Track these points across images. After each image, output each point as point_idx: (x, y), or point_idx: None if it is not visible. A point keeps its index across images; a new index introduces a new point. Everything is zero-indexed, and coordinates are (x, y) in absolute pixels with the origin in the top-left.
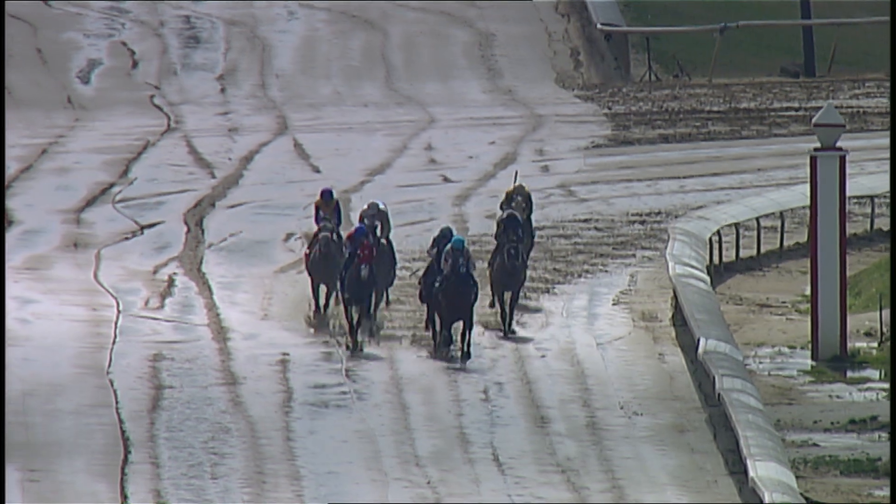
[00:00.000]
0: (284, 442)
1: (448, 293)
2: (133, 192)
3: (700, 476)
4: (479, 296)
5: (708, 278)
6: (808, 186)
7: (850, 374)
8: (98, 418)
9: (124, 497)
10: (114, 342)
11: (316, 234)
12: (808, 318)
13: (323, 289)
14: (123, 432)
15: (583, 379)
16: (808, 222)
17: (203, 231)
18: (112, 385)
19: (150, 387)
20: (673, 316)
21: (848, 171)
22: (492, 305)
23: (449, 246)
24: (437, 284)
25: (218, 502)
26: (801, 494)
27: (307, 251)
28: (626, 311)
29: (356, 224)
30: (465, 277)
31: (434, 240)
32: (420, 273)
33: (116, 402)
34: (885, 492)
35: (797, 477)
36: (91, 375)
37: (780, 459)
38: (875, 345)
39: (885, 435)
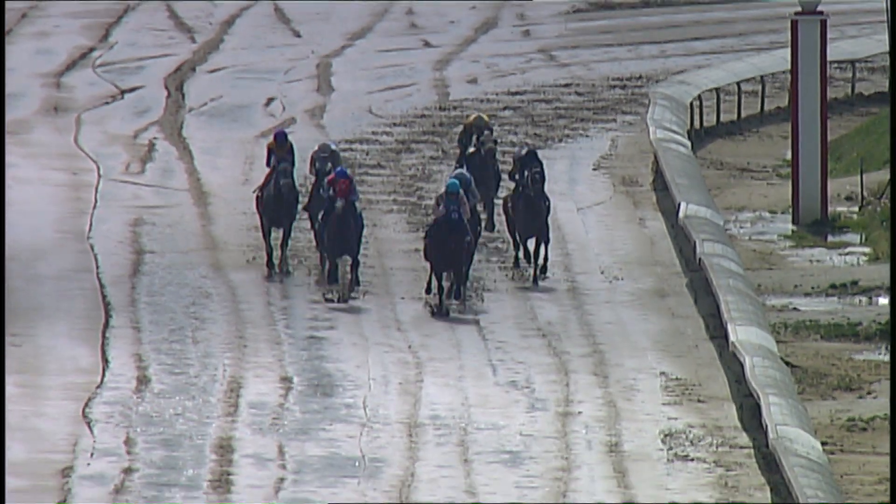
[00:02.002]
0: (265, 307)
1: (437, 240)
2: (113, 56)
3: (681, 340)
4: (474, 245)
5: (689, 143)
6: (788, 51)
7: (830, 238)
8: (79, 283)
9: (105, 361)
10: (94, 207)
11: (269, 176)
12: (789, 183)
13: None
14: (104, 297)
15: (563, 244)
16: (789, 87)
17: (184, 96)
18: (93, 250)
19: (130, 251)
20: (654, 180)
21: (829, 35)
22: (516, 265)
23: (442, 190)
24: (427, 231)
25: (199, 366)
26: (782, 358)
27: (258, 192)
28: (607, 176)
29: (308, 165)
30: (458, 223)
31: (437, 198)
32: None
33: (97, 267)
34: (865, 356)
35: (777, 341)
36: (71, 240)
37: (761, 324)
38: (855, 209)
39: (865, 299)
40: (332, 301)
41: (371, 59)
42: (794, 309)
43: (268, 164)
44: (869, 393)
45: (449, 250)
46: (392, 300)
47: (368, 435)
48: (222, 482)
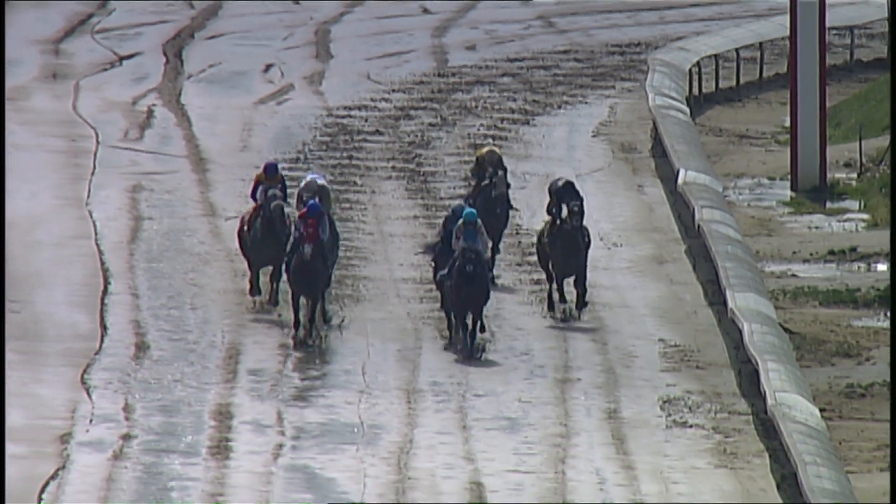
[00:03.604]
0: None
1: (458, 283)
2: (112, 22)
3: (679, 307)
4: (491, 284)
5: (688, 109)
6: (787, 17)
7: (829, 204)
8: (77, 249)
9: (104, 327)
10: (93, 173)
11: (255, 209)
12: (788, 149)
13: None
14: (103, 263)
15: None
16: (788, 53)
17: (182, 62)
18: (91, 216)
19: (129, 218)
20: (652, 147)
21: (827, 1)
22: (551, 306)
23: (459, 222)
24: (447, 272)
25: (197, 333)
26: (780, 324)
27: (243, 228)
28: (606, 143)
29: (295, 202)
30: (473, 276)
31: (445, 219)
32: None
33: (96, 234)
34: (864, 322)
35: (776, 307)
36: (70, 207)
37: (759, 290)
38: (854, 175)
39: (863, 265)
40: (297, 343)
41: (369, 25)
42: (793, 275)
43: (253, 196)
44: (867, 359)
45: (470, 292)
46: (391, 267)
47: (367, 401)
48: (221, 448)
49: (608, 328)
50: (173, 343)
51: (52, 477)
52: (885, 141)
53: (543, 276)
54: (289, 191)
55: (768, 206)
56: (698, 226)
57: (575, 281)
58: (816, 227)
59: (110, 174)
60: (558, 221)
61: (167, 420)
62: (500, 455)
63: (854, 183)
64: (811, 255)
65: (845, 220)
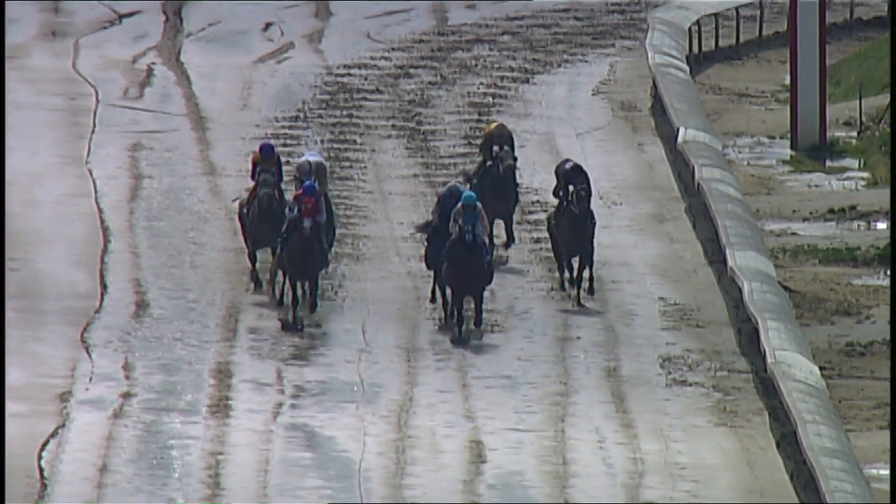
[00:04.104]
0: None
1: (455, 263)
2: None
3: (679, 265)
4: (492, 266)
5: (687, 68)
6: None
7: (829, 163)
8: (77, 208)
9: (103, 286)
10: (92, 132)
11: (253, 191)
12: (788, 108)
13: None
14: (103, 222)
15: None
16: (788, 11)
17: (182, 20)
18: (91, 175)
19: (129, 176)
20: (652, 106)
21: None
22: (561, 286)
23: (459, 205)
24: (445, 251)
25: (197, 291)
26: (780, 283)
27: (243, 209)
28: (606, 101)
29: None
30: (473, 244)
31: (439, 198)
32: (425, 235)
33: (95, 192)
34: (864, 281)
35: (776, 266)
36: (70, 165)
37: (759, 248)
38: (854, 134)
39: (863, 224)
40: (288, 327)
41: None
42: (793, 234)
43: (252, 177)
44: (867, 318)
45: (470, 275)
46: (391, 225)
47: (367, 360)
48: (221, 407)
49: (608, 286)
50: (173, 302)
51: (52, 435)
52: (884, 99)
53: (543, 233)
54: (284, 168)
55: (768, 165)
56: (698, 184)
57: (581, 266)
58: (816, 186)
59: (110, 132)
60: (565, 203)
61: (167, 379)
62: (500, 413)
63: (854, 141)
64: (811, 213)
65: (845, 179)
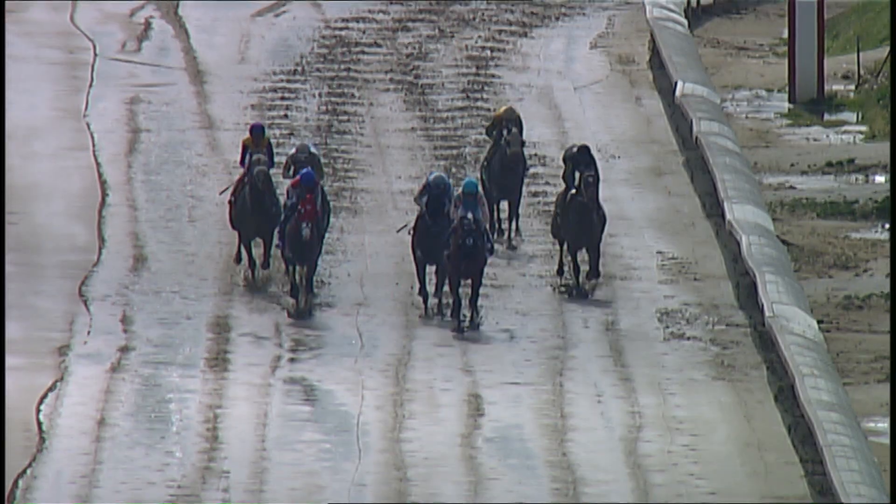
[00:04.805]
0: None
1: (456, 248)
2: None
3: (677, 219)
4: (492, 250)
5: (685, 21)
6: None
7: (826, 116)
8: (75, 161)
9: (102, 239)
10: (90, 85)
11: (242, 178)
12: (786, 61)
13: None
14: (101, 175)
15: (560, 122)
16: None
17: None
18: (89, 128)
19: (127, 130)
20: (650, 59)
21: None
22: (560, 271)
23: (458, 191)
24: (444, 238)
25: (195, 245)
26: (778, 237)
27: (231, 198)
28: (604, 55)
29: (282, 170)
30: (472, 249)
31: (423, 186)
32: (409, 226)
33: (93, 146)
34: (862, 234)
35: (774, 219)
36: (68, 118)
37: (757, 202)
38: (852, 87)
39: (861, 177)
40: (294, 316)
41: None
42: (791, 187)
43: (242, 161)
44: (865, 271)
45: (469, 258)
46: (388, 179)
47: (365, 314)
48: (219, 360)
49: (606, 240)
50: (171, 255)
51: (51, 389)
52: (882, 53)
53: (540, 186)
54: (275, 153)
55: (766, 118)
56: (696, 138)
57: (587, 256)
58: (814, 139)
59: (108, 86)
60: (573, 191)
61: (165, 332)
62: (498, 367)
63: (852, 95)
64: (809, 166)
65: (843, 132)
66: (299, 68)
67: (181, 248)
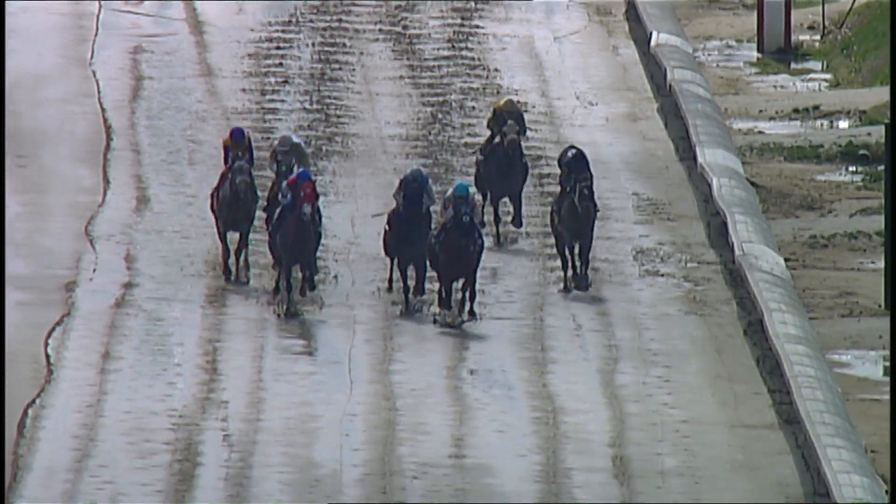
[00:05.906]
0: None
1: (448, 246)
2: None
3: (652, 162)
4: (483, 249)
5: None
6: None
7: (793, 65)
8: (81, 107)
9: (106, 181)
10: (96, 35)
11: (224, 175)
12: (755, 13)
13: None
14: (105, 120)
15: (541, 71)
16: None
17: None
18: (94, 76)
19: (130, 77)
20: (626, 11)
21: None
22: (565, 284)
23: (450, 192)
24: (436, 236)
25: (196, 186)
26: (747, 179)
27: (213, 191)
28: (582, 7)
29: (267, 161)
30: (470, 228)
31: (400, 182)
32: (384, 220)
33: (99, 92)
34: (826, 177)
35: (743, 162)
36: (74, 66)
37: (727, 146)
38: (817, 38)
39: (826, 123)
40: (279, 315)
41: None
42: (759, 132)
43: (225, 162)
44: (830, 212)
45: (462, 258)
46: (378, 125)
47: (356, 252)
48: (217, 296)
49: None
50: (173, 196)
51: (58, 323)
52: (845, 5)
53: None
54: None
55: (736, 67)
56: (670, 85)
57: (579, 252)
58: (781, 87)
59: (112, 36)
60: (566, 191)
61: (167, 270)
62: (481, 300)
63: (817, 45)
64: (776, 113)
65: (809, 80)
66: (293, 19)
67: (182, 189)
